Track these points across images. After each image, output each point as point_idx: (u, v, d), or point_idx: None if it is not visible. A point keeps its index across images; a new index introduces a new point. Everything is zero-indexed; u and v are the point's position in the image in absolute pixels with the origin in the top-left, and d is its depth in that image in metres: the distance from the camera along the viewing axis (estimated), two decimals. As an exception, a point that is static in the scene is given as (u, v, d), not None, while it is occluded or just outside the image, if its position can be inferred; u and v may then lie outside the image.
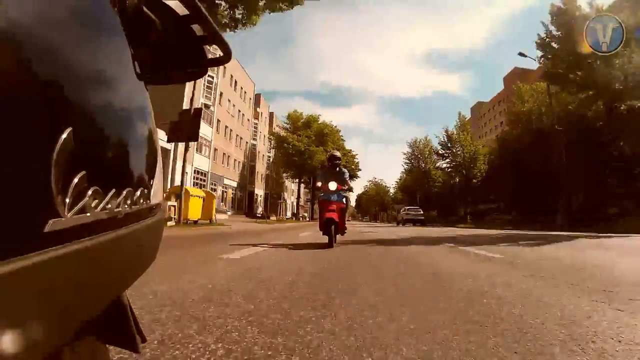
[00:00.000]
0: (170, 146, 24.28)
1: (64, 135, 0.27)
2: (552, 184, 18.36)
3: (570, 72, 13.46)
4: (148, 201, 0.44)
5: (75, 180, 0.28)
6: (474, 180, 30.04)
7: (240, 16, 10.04)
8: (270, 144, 47.74)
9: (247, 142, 41.72)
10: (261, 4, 9.74)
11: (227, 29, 10.14)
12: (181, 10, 0.52)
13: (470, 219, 25.97)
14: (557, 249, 4.88)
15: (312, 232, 8.75)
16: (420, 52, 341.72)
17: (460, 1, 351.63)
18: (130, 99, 0.43)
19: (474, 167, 30.16)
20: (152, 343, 1.12)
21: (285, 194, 57.58)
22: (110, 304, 0.41)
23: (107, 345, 0.52)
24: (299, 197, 46.03)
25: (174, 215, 10.86)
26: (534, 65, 22.01)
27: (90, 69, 0.33)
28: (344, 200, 5.26)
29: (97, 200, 0.31)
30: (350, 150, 45.28)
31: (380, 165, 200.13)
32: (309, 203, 50.61)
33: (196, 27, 0.55)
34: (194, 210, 11.84)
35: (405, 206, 30.71)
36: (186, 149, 11.46)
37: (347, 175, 5.42)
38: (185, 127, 11.01)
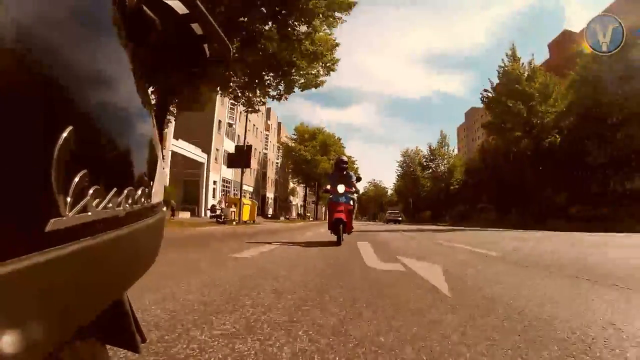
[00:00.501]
0: (204, 160, 29.81)
1: (65, 135, 0.27)
2: (524, 188, 23.50)
3: (503, 121, 19.20)
4: (149, 200, 0.45)
5: (76, 179, 0.28)
6: (451, 187, 35.82)
7: (283, 91, 15.25)
8: (279, 151, 53.34)
9: (259, 152, 47.20)
10: (297, 85, 14.91)
11: (273, 99, 15.50)
12: (181, 9, 0.53)
13: (448, 219, 31.67)
14: (441, 234, 10.34)
15: (322, 231, 10.81)
16: (420, 53, 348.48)
17: (459, 1, 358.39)
18: (131, 98, 0.43)
19: (451, 177, 35.96)
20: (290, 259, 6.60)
21: (292, 197, 63.21)
22: (111, 304, 0.41)
23: (107, 345, 0.51)
24: (305, 199, 51.61)
25: (235, 217, 16.37)
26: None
27: (91, 69, 0.34)
28: (351, 202, 5.81)
29: (98, 200, 0.32)
30: (351, 157, 50.80)
31: (380, 165, 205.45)
32: (313, 205, 56.26)
33: (196, 26, 0.56)
34: (245, 214, 17.34)
35: (388, 209, 37.90)
36: (242, 173, 16.92)
37: (354, 178, 5.99)
38: (240, 158, 16.47)
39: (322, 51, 10.54)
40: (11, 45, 0.23)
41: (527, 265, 3.51)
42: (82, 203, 0.29)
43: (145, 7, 0.49)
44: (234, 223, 15.63)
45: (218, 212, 16.57)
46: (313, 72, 11.94)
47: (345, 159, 6.27)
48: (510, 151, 20.99)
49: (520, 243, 6.77)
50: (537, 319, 1.54)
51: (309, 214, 54.60)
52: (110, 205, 0.34)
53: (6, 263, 0.22)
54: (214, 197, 30.44)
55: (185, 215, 21.28)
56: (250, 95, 14.14)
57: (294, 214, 59.27)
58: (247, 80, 12.56)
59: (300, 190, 58.12)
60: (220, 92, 14.39)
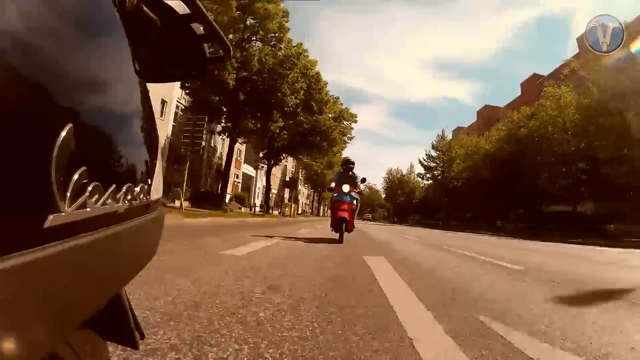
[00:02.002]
0: (253, 174, 45.37)
1: (65, 132, 0.27)
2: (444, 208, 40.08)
3: (429, 174, 36.16)
4: (148, 197, 0.46)
5: (76, 176, 0.28)
6: (414, 201, 53.70)
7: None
8: (294, 162, 69.58)
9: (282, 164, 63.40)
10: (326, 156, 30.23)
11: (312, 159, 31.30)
12: (181, 9, 0.53)
13: (411, 220, 48.58)
14: (385, 225, 26.13)
15: (326, 224, 16.36)
16: (431, 58, 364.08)
17: (470, 9, 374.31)
18: (131, 97, 0.44)
19: (413, 195, 54.11)
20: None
21: (299, 196, 79.88)
22: (110, 300, 0.41)
23: (107, 342, 0.52)
24: (313, 200, 67.98)
25: (288, 213, 32.19)
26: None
27: (91, 67, 0.34)
28: (354, 201, 6.00)
29: (97, 196, 0.32)
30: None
31: (385, 166, 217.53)
32: (317, 204, 73.00)
33: (196, 26, 0.56)
34: (291, 211, 33.32)
35: (365, 213, 60.44)
36: (291, 192, 32.84)
37: (359, 179, 6.21)
38: (290, 183, 32.29)
39: (339, 151, 26.38)
40: (12, 43, 0.24)
41: (398, 234, 19.22)
42: (81, 199, 0.30)
43: (145, 7, 0.50)
44: (289, 216, 31.57)
45: (279, 210, 32.54)
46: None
47: (352, 159, 6.45)
48: (433, 188, 38.68)
49: (404, 231, 22.44)
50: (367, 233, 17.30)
51: (310, 212, 71.30)
52: (109, 201, 0.34)
53: (5, 258, 0.22)
54: (257, 198, 46.22)
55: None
56: (302, 157, 30.08)
57: (300, 210, 75.98)
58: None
59: (305, 191, 74.47)
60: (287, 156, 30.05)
